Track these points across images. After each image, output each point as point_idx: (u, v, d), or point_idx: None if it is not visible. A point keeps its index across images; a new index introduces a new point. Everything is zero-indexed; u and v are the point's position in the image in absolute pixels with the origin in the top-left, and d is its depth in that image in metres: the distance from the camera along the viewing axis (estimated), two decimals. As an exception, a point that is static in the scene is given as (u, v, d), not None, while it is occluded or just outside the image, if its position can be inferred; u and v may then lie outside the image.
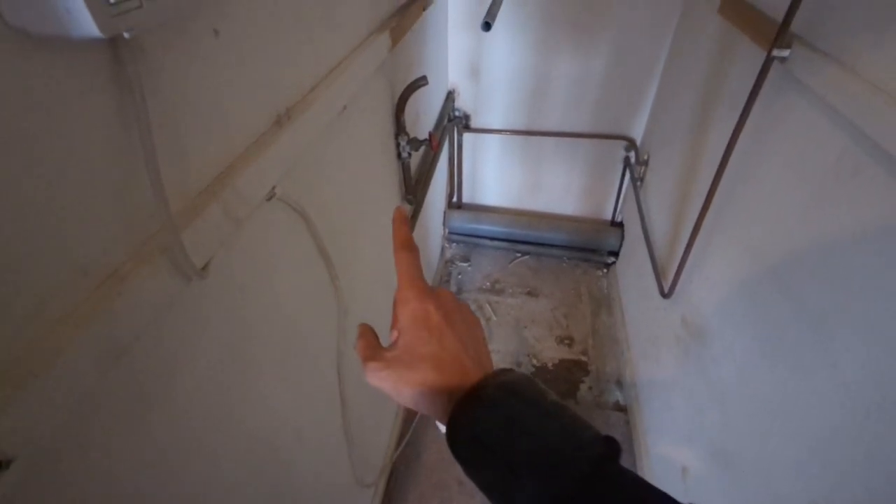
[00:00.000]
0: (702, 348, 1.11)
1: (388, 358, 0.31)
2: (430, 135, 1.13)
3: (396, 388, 0.30)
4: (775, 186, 0.86)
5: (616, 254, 2.10)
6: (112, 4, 0.26)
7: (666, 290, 1.30)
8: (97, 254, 0.34)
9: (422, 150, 1.30)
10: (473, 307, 1.98)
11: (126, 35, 0.27)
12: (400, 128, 1.09)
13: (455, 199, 2.22)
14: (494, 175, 2.14)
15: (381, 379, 0.31)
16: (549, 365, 1.76)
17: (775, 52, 0.83)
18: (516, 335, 1.86)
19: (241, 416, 0.56)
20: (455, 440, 0.28)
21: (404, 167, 1.18)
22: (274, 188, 0.55)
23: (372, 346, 0.33)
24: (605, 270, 2.13)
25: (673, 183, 1.44)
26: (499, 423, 0.27)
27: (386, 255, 1.17)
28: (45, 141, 0.29)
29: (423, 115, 1.39)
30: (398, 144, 1.11)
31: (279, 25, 0.55)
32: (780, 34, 0.82)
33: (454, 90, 1.88)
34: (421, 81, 1.02)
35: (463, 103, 1.92)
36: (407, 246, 0.36)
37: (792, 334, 0.76)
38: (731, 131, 0.95)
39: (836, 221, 0.69)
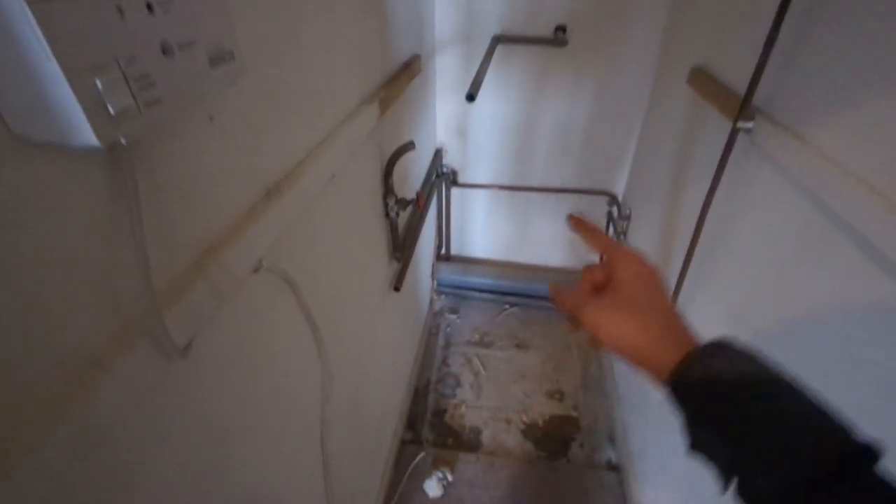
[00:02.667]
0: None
1: (612, 301, 0.34)
2: (418, 195, 1.16)
3: (618, 327, 0.33)
4: (750, 250, 0.89)
5: (603, 305, 2.11)
6: (112, 116, 0.28)
7: (653, 345, 1.30)
8: (77, 343, 0.34)
9: (409, 208, 1.33)
10: (461, 361, 1.96)
11: (123, 141, 0.29)
12: (388, 189, 1.12)
13: (443, 251, 2.24)
14: (482, 228, 2.18)
15: (605, 318, 0.34)
16: (540, 421, 1.72)
17: (740, 124, 0.89)
18: (506, 390, 1.83)
19: (221, 488, 0.54)
20: (688, 379, 0.29)
21: (392, 226, 1.20)
22: (261, 260, 0.56)
23: (580, 295, 0.37)
24: (593, 322, 2.13)
25: (655, 239, 1.48)
26: (749, 374, 0.28)
27: (372, 317, 1.17)
28: (34, 236, 0.30)
29: (411, 174, 1.44)
30: (386, 205, 1.14)
31: (273, 105, 0.58)
32: (742, 108, 0.88)
33: (442, 148, 1.95)
34: (409, 147, 1.07)
35: (450, 160, 1.99)
36: (599, 229, 0.41)
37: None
38: (705, 193, 1.00)
39: (808, 288, 0.71)
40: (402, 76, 1.15)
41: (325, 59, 0.72)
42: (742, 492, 0.26)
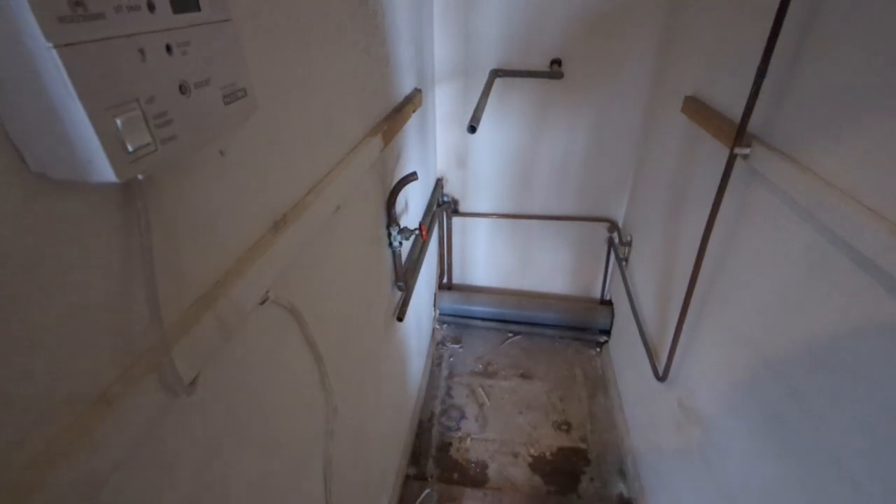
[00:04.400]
0: (703, 436, 1.07)
1: None
2: (421, 225, 1.17)
3: None
4: (754, 275, 0.89)
5: (608, 332, 2.09)
6: (130, 153, 0.28)
7: (660, 372, 1.29)
8: (85, 380, 0.33)
9: (412, 238, 1.34)
10: (465, 392, 1.92)
11: (140, 178, 0.29)
12: (391, 219, 1.13)
13: (445, 280, 2.24)
14: (484, 256, 2.19)
15: None
16: (548, 454, 1.67)
17: (737, 150, 0.91)
18: (512, 422, 1.79)
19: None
20: None
21: (395, 255, 1.21)
22: (267, 292, 0.55)
23: None
24: (598, 349, 2.11)
25: (657, 265, 1.48)
26: None
27: (376, 347, 1.16)
28: (45, 271, 0.30)
29: (413, 203, 1.45)
30: (389, 234, 1.15)
31: (280, 139, 0.59)
32: (739, 135, 0.90)
33: (443, 178, 1.98)
34: (412, 177, 1.08)
35: (451, 189, 2.01)
36: None
37: (791, 425, 0.75)
38: (705, 219, 1.01)
39: (815, 311, 0.71)
40: (404, 109, 1.18)
41: (331, 94, 0.74)
42: None
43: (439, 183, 1.94)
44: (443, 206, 1.97)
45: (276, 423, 0.64)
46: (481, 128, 1.81)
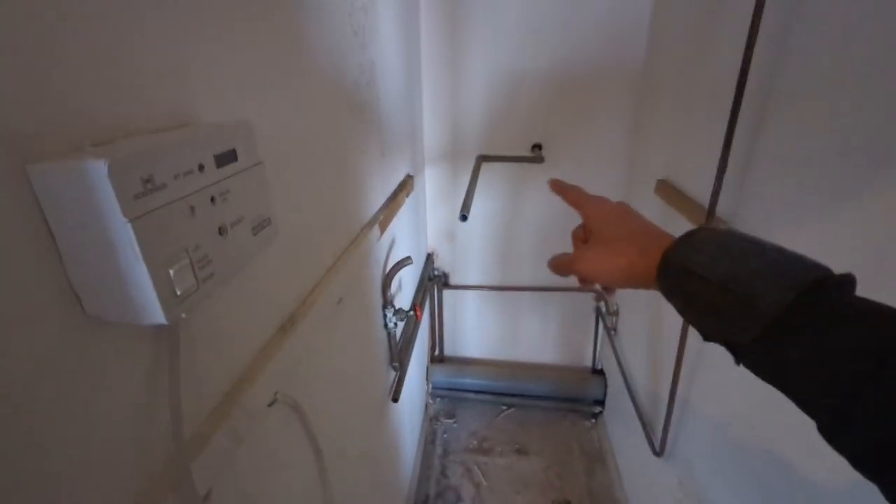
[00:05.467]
0: (706, 516, 1.06)
1: (593, 243, 0.44)
2: (415, 306, 1.20)
3: (601, 260, 0.41)
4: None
5: (601, 402, 2.08)
6: (178, 296, 0.32)
7: (657, 447, 1.28)
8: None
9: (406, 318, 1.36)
10: (461, 471, 1.85)
11: (183, 316, 0.32)
12: (386, 301, 1.16)
13: (437, 353, 2.23)
14: (474, 328, 2.20)
15: (589, 258, 0.42)
16: (549, 538, 1.60)
17: (709, 234, 0.98)
18: (510, 502, 1.72)
19: None
20: (668, 271, 0.35)
21: (390, 336, 1.22)
22: (276, 394, 0.57)
23: (569, 253, 0.45)
24: (593, 421, 2.08)
25: (645, 335, 1.52)
26: (723, 243, 0.33)
27: (372, 432, 1.14)
28: (80, 402, 0.32)
29: (406, 282, 1.49)
30: (385, 316, 1.17)
31: (291, 246, 0.63)
32: (708, 218, 0.98)
33: (433, 252, 2.04)
34: (406, 262, 1.13)
35: (442, 263, 2.07)
36: (573, 186, 0.51)
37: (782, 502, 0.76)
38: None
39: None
40: (398, 196, 1.26)
41: (335, 198, 0.80)
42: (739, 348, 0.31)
43: (430, 258, 2.00)
44: (434, 280, 2.02)
45: (276, 527, 0.62)
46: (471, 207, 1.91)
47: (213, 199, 0.36)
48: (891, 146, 0.59)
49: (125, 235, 0.28)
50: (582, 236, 0.50)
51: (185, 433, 0.42)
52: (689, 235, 0.36)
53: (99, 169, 0.26)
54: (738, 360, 0.32)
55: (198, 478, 0.41)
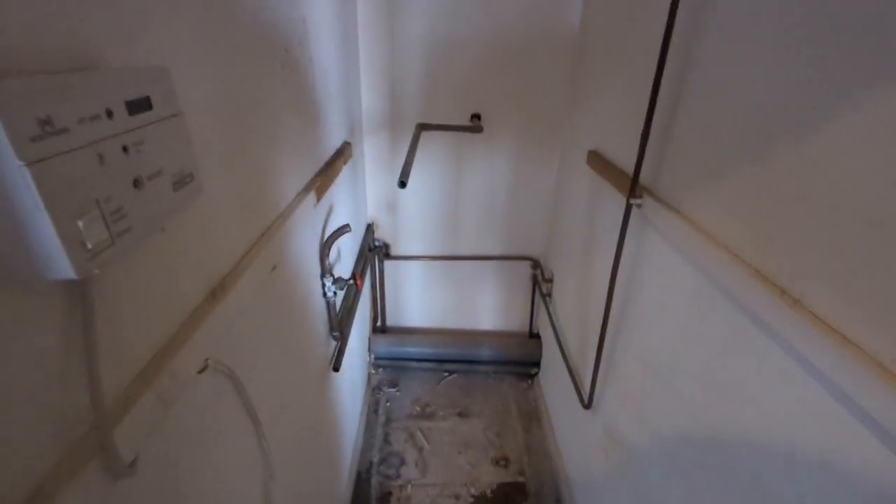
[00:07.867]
0: (628, 463, 1.17)
1: None
2: (355, 275, 1.19)
3: None
4: (656, 309, 1.02)
5: (538, 364, 2.20)
6: (88, 250, 0.30)
7: (586, 400, 1.38)
8: (20, 474, 0.33)
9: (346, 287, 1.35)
10: (404, 437, 1.90)
11: (96, 272, 0.31)
12: (325, 270, 1.15)
13: (379, 324, 2.24)
14: (417, 298, 2.23)
15: None
16: (488, 492, 1.70)
17: (632, 200, 1.05)
18: (452, 463, 1.80)
19: None
20: None
21: (329, 305, 1.21)
22: (207, 360, 0.55)
23: None
24: (530, 382, 2.20)
25: (576, 299, 1.61)
26: None
27: (313, 402, 1.14)
28: (-7, 369, 0.30)
29: (346, 251, 1.47)
30: (324, 285, 1.16)
31: (218, 209, 0.60)
32: (632, 187, 1.05)
33: (373, 223, 2.02)
34: (345, 229, 1.11)
35: (383, 234, 2.05)
36: None
37: (693, 443, 0.86)
38: (612, 259, 1.14)
39: (704, 339, 0.83)
40: (336, 163, 1.22)
41: (266, 159, 0.77)
42: None
43: (370, 228, 1.97)
44: (374, 251, 2.00)
45: (215, 494, 0.62)
46: (411, 175, 1.90)
47: (125, 149, 0.34)
48: (788, 123, 0.65)
49: (22, 180, 0.26)
50: None
51: (107, 397, 0.40)
52: None
53: (-16, 105, 0.24)
54: None
55: (122, 443, 0.39)
